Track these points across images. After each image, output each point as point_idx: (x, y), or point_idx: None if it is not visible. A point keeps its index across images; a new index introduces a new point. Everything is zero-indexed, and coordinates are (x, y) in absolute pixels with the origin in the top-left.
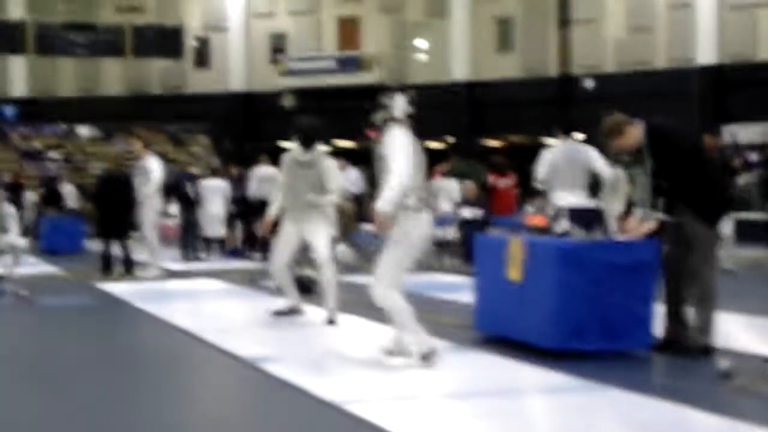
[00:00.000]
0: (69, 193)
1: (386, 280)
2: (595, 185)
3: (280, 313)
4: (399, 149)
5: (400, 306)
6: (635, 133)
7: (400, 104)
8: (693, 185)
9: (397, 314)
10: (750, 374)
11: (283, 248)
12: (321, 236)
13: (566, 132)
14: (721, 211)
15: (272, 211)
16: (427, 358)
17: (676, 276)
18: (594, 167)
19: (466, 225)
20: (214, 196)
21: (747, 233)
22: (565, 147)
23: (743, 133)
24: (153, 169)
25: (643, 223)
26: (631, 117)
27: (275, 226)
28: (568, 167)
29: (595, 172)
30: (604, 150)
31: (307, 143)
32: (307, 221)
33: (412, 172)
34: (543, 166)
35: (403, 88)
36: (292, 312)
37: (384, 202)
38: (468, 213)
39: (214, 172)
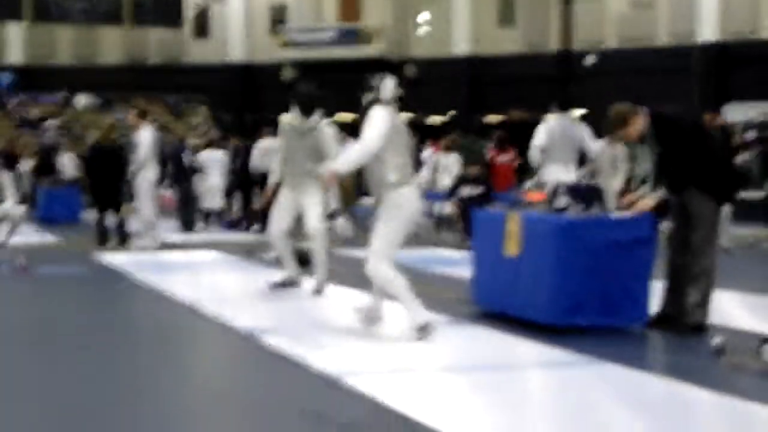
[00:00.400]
0: (68, 162)
1: (380, 254)
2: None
3: (277, 285)
4: (375, 124)
5: (394, 279)
6: (640, 122)
7: (388, 87)
8: (699, 165)
9: (392, 287)
10: (744, 351)
11: (280, 215)
12: (315, 207)
13: (562, 108)
14: (731, 188)
15: (272, 182)
16: (422, 330)
17: (678, 252)
18: (584, 145)
19: (465, 200)
20: (212, 167)
21: (745, 212)
22: (559, 123)
23: (742, 111)
24: (141, 140)
25: (643, 199)
26: (635, 105)
27: (274, 196)
28: (562, 143)
29: (584, 148)
30: (605, 133)
31: (306, 111)
32: (303, 191)
33: (391, 148)
34: (541, 138)
35: (400, 64)
36: (289, 284)
37: (339, 163)
38: (468, 191)
39: (212, 144)
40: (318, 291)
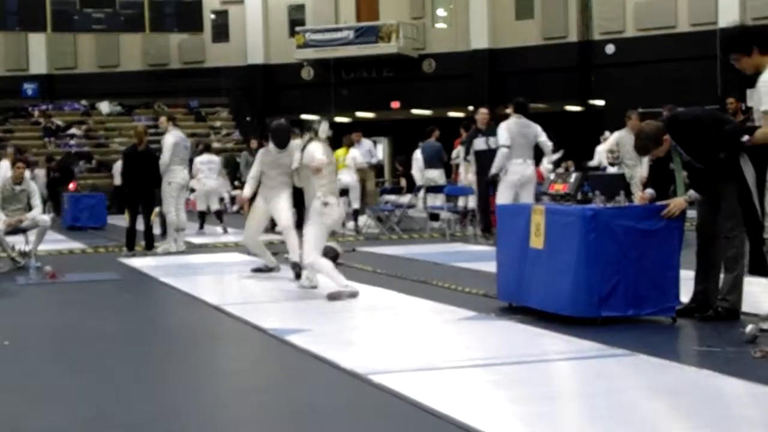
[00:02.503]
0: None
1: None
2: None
3: (255, 271)
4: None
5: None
6: (668, 139)
7: (323, 128)
8: (726, 154)
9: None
10: None
11: (255, 223)
12: (283, 210)
13: (519, 110)
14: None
15: (246, 192)
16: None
17: (708, 240)
18: (539, 141)
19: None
20: (208, 171)
21: None
22: (517, 123)
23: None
24: (165, 144)
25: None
26: (659, 121)
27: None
28: (520, 141)
29: (540, 144)
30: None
31: (281, 144)
32: (273, 200)
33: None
34: (504, 135)
35: (419, 60)
36: (266, 270)
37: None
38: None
39: (207, 148)
40: (298, 276)
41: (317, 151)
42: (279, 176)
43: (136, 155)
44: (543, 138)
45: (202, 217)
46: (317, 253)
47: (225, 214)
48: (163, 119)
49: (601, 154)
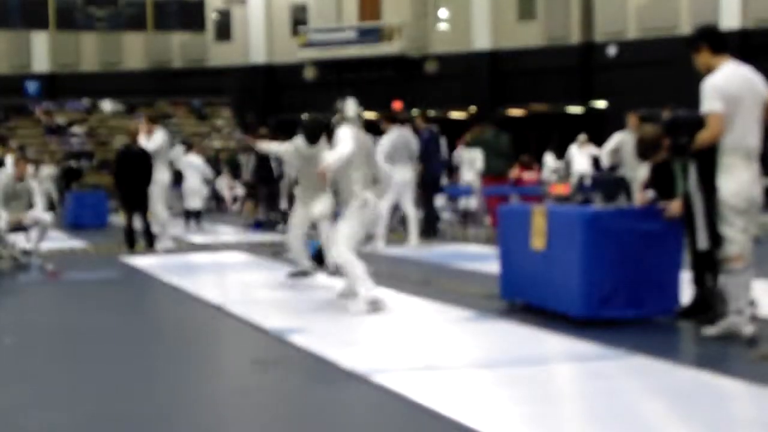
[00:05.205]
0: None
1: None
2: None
3: (292, 276)
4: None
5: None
6: (667, 143)
7: (351, 106)
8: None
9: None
10: None
11: (296, 227)
12: (320, 204)
13: (402, 122)
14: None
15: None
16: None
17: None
18: (414, 150)
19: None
20: (191, 171)
21: None
22: (399, 133)
23: None
24: (150, 144)
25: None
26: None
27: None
28: (401, 149)
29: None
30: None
31: (312, 139)
32: (312, 205)
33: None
34: (387, 146)
35: (421, 61)
36: (302, 275)
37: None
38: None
39: (190, 148)
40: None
41: (345, 140)
42: (313, 180)
43: (129, 154)
44: (416, 148)
45: (187, 216)
46: (351, 252)
47: (227, 212)
48: (143, 124)
49: (602, 156)
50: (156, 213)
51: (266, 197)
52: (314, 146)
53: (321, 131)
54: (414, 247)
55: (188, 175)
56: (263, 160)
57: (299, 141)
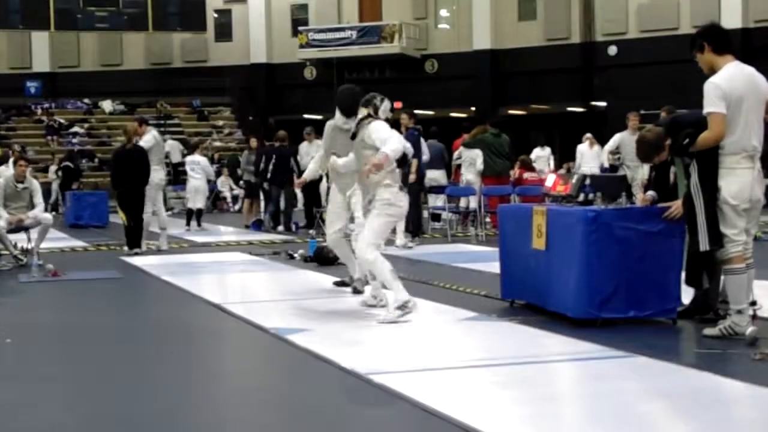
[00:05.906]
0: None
1: (368, 241)
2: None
3: (337, 284)
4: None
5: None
6: (668, 145)
7: (386, 107)
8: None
9: (376, 269)
10: None
11: (334, 218)
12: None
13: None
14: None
15: (307, 175)
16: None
17: None
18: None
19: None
20: (194, 170)
21: None
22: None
23: None
24: (143, 145)
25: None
26: (660, 127)
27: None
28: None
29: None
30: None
31: (348, 112)
32: (353, 192)
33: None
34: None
35: (421, 61)
36: (342, 284)
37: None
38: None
39: (194, 148)
40: (356, 290)
41: (394, 134)
42: (355, 154)
43: (126, 154)
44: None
45: (189, 216)
46: (377, 251)
47: (228, 212)
48: (134, 127)
49: (602, 156)
50: (146, 213)
51: (275, 199)
52: (352, 119)
53: (357, 103)
54: (401, 247)
55: (193, 174)
56: (283, 159)
57: (336, 117)
